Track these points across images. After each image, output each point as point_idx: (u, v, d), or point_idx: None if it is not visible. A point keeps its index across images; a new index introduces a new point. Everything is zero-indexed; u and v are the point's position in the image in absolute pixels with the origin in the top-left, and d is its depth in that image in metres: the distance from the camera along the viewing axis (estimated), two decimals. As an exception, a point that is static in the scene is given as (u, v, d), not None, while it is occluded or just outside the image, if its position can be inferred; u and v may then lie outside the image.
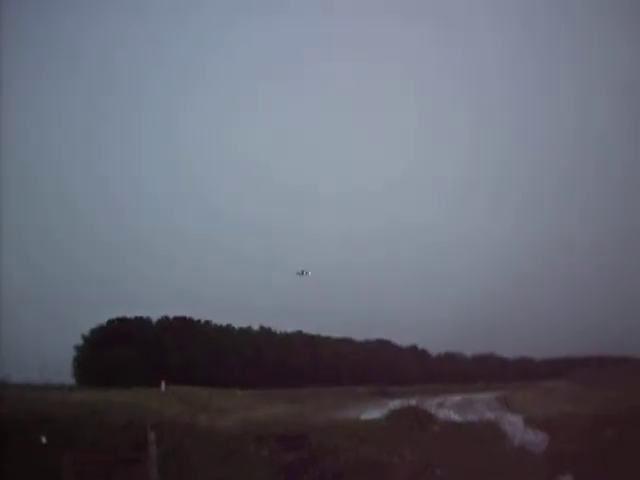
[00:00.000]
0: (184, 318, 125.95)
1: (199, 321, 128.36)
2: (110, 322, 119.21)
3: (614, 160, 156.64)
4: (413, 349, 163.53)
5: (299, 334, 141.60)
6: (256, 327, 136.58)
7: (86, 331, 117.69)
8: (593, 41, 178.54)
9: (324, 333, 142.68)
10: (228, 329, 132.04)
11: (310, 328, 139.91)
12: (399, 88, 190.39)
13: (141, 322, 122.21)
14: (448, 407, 77.06)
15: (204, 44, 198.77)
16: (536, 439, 47.73)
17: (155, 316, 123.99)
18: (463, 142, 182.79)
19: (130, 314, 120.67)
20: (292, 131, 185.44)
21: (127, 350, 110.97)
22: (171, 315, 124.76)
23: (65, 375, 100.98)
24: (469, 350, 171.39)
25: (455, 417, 61.61)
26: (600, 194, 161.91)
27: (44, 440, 38.90)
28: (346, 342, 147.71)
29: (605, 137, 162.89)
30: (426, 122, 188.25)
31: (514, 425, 53.10)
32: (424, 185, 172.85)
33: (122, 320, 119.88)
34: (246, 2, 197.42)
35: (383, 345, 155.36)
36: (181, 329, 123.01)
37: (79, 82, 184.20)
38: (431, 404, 77.04)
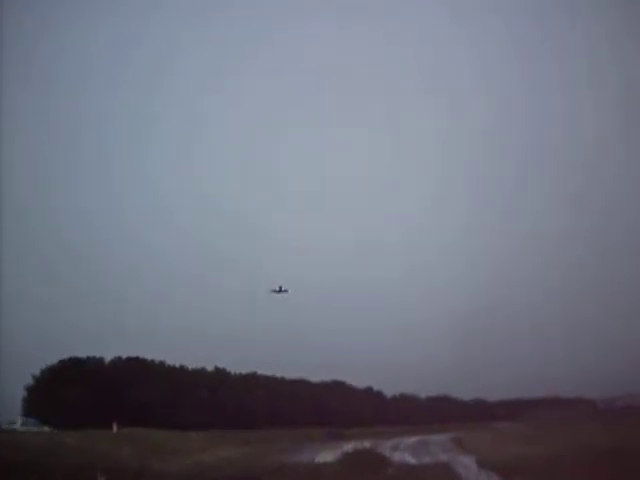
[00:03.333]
0: (137, 358, 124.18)
1: (153, 361, 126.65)
2: (62, 362, 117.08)
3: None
4: (368, 390, 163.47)
5: (254, 375, 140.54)
6: (210, 368, 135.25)
7: (36, 371, 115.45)
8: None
9: (279, 374, 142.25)
10: (182, 370, 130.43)
11: (265, 369, 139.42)
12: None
13: (93, 362, 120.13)
14: (403, 449, 76.96)
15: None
16: (490, 481, 47.74)
17: (108, 356, 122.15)
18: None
19: (82, 354, 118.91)
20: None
21: (79, 391, 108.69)
22: (124, 355, 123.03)
23: (14, 416, 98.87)
24: (424, 392, 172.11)
25: (409, 459, 61.54)
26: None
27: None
28: (301, 383, 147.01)
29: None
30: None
31: (468, 467, 53.06)
32: (382, 241, 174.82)
33: (74, 360, 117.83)
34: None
35: (338, 386, 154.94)
36: (134, 369, 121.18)
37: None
38: (386, 446, 77.03)
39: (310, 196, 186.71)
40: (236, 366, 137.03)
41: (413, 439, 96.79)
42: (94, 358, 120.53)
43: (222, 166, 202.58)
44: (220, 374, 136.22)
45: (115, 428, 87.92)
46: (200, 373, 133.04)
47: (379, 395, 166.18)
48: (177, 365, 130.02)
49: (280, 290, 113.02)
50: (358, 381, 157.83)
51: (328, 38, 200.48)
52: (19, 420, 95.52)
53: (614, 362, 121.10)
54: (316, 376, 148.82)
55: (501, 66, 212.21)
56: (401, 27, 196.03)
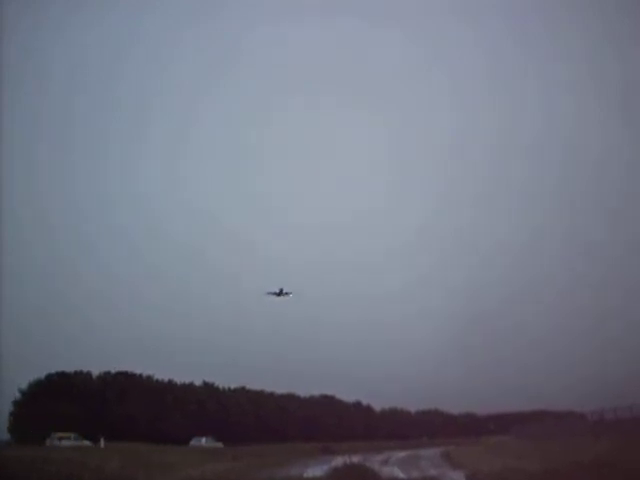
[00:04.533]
0: (126, 373, 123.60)
1: (141, 375, 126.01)
2: (49, 376, 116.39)
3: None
4: (358, 405, 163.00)
5: (242, 390, 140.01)
6: (199, 382, 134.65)
7: (24, 385, 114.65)
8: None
9: (268, 388, 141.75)
10: (171, 384, 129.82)
11: (254, 383, 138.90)
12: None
13: (81, 376, 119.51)
14: (392, 464, 76.46)
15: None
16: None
17: (96, 370, 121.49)
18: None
19: (69, 368, 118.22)
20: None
21: (66, 405, 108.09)
22: (112, 370, 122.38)
23: (1, 431, 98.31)
24: (413, 406, 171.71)
25: (399, 474, 61.01)
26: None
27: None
28: (290, 398, 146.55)
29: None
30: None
31: (458, 482, 52.67)
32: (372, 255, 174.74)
33: (61, 374, 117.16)
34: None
35: (327, 400, 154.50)
36: (122, 384, 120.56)
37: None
38: (375, 461, 76.37)
39: (304, 208, 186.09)
40: (225, 380, 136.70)
41: (403, 453, 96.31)
42: (82, 372, 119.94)
43: (216, 176, 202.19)
44: (209, 389, 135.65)
45: (103, 443, 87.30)
46: (188, 388, 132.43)
47: (368, 409, 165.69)
48: (165, 380, 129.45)
49: (281, 293, 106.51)
50: (347, 395, 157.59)
51: (328, 39, 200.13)
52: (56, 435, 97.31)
53: (604, 375, 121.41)
54: (305, 390, 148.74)
55: (508, 65, 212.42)
56: (406, 27, 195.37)
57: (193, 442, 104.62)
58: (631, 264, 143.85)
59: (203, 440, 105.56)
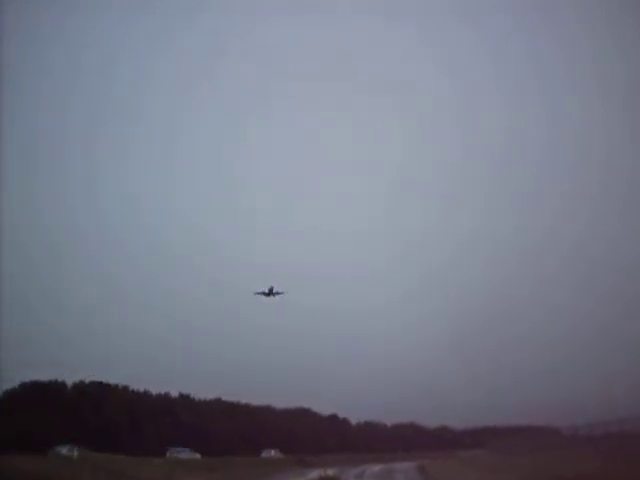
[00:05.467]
0: (100, 383, 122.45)
1: (116, 386, 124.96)
2: (23, 385, 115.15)
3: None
4: (333, 418, 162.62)
5: (218, 401, 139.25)
6: (175, 393, 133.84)
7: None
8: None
9: (243, 400, 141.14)
10: (146, 395, 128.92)
11: (229, 395, 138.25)
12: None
13: (55, 386, 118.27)
14: (367, 477, 76.47)
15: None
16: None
17: (70, 380, 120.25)
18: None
19: (44, 377, 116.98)
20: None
21: (40, 414, 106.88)
22: (87, 379, 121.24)
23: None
24: (389, 419, 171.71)
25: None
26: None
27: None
28: (266, 409, 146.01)
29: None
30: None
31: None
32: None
33: (35, 383, 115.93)
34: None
35: (303, 413, 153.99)
36: (97, 394, 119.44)
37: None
38: (350, 474, 76.39)
39: (296, 220, 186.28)
40: (200, 392, 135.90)
41: (378, 467, 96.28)
42: (56, 382, 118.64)
43: (206, 184, 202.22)
44: (184, 400, 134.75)
45: (76, 453, 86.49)
46: (164, 399, 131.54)
47: (344, 422, 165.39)
48: (141, 390, 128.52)
49: (271, 293, 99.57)
50: (323, 408, 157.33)
51: (329, 40, 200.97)
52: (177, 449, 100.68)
53: (579, 391, 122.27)
54: (281, 403, 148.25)
55: (514, 67, 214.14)
56: (412, 28, 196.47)
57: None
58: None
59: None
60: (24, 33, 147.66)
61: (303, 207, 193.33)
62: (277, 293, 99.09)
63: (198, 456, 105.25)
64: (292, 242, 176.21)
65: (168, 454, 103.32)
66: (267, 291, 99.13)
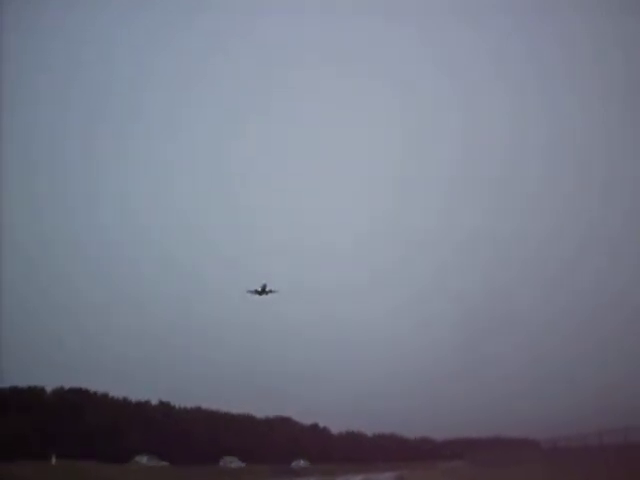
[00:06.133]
0: (80, 389, 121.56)
1: (96, 393, 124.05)
2: (0, 391, 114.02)
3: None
4: (314, 427, 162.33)
5: (198, 409, 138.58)
6: (155, 401, 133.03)
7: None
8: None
9: (224, 408, 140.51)
10: (125, 402, 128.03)
11: (210, 403, 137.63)
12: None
13: (34, 392, 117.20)
14: (348, 487, 76.50)
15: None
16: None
17: (50, 386, 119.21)
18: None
19: (22, 383, 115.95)
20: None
21: (17, 421, 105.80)
22: (66, 386, 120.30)
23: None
24: (370, 429, 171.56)
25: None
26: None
27: None
28: (246, 418, 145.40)
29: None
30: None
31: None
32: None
33: (13, 389, 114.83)
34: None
35: (284, 422, 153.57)
36: (76, 401, 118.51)
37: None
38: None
39: (295, 221, 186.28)
40: (181, 399, 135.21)
41: (358, 477, 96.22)
42: (35, 388, 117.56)
43: (206, 183, 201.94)
44: (164, 407, 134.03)
45: (54, 460, 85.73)
46: (144, 406, 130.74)
47: (325, 432, 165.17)
48: (120, 397, 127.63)
49: (264, 291, 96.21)
50: (304, 417, 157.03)
51: (333, 37, 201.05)
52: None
53: (558, 403, 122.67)
54: (262, 411, 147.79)
55: (514, 67, 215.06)
56: (412, 27, 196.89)
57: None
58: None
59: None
60: (23, 30, 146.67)
61: (302, 208, 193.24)
62: (270, 291, 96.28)
63: (166, 464, 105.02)
64: (289, 244, 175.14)
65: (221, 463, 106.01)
66: (260, 289, 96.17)
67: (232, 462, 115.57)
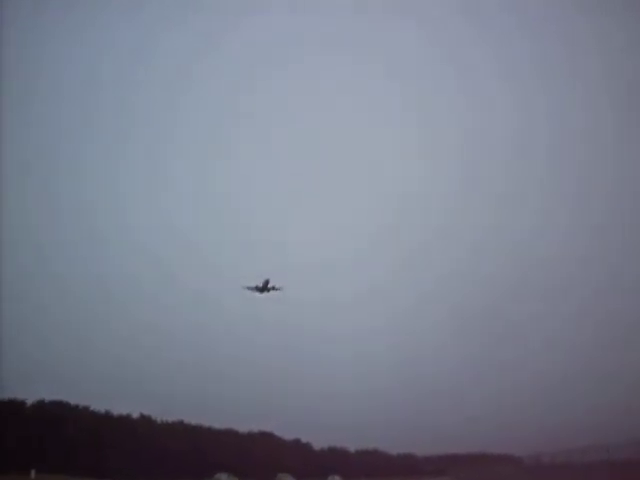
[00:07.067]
0: (61, 402, 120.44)
1: (77, 406, 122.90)
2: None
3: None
4: (296, 442, 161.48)
5: (180, 423, 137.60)
6: (136, 415, 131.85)
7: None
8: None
9: (206, 423, 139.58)
10: (107, 416, 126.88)
11: (192, 417, 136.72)
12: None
13: (14, 405, 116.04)
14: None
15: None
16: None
17: (30, 399, 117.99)
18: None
19: (2, 395, 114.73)
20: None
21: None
22: (47, 399, 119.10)
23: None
24: (352, 445, 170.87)
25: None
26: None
27: None
28: (228, 433, 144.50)
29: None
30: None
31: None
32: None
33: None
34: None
35: (266, 437, 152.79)
36: (57, 414, 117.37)
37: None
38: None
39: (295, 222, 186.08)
40: (162, 413, 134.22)
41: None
42: (15, 400, 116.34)
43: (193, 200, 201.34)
44: (145, 421, 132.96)
45: (33, 475, 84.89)
46: (125, 420, 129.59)
47: (307, 447, 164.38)
48: (102, 411, 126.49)
49: (265, 287, 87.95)
50: (286, 432, 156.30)
51: (334, 37, 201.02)
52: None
53: (540, 420, 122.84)
54: (244, 426, 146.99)
55: (520, 66, 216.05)
56: (417, 26, 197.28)
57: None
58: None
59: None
60: (19, 32, 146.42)
61: (303, 222, 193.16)
62: (273, 288, 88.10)
63: None
64: (286, 256, 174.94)
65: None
66: (261, 285, 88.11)
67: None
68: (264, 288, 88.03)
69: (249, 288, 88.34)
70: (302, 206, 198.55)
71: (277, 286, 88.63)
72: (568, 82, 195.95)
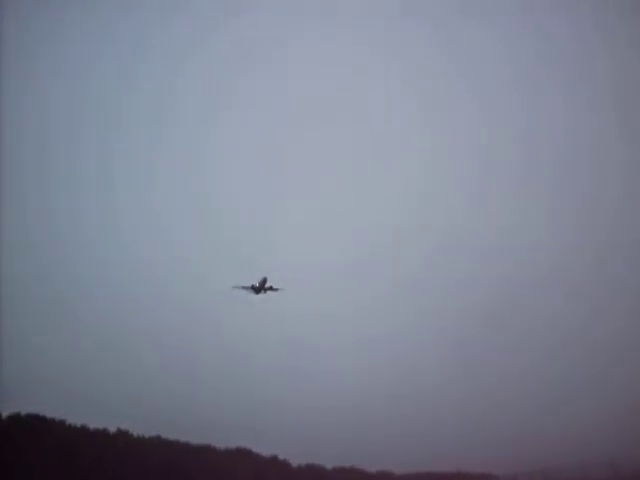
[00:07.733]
0: (37, 415, 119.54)
1: (53, 419, 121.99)
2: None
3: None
4: (274, 459, 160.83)
5: (157, 438, 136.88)
6: (113, 429, 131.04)
7: None
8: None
9: (183, 438, 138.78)
10: (83, 430, 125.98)
11: (169, 432, 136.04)
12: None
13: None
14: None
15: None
16: None
17: (5, 412, 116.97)
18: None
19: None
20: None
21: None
22: (23, 411, 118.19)
23: None
24: (330, 462, 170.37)
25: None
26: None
27: None
28: (206, 449, 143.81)
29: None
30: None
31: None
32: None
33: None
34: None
35: (244, 454, 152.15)
36: (33, 427, 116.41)
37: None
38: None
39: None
40: (140, 428, 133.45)
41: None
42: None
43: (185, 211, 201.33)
44: (122, 436, 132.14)
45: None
46: (101, 434, 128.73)
47: (285, 464, 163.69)
48: (78, 425, 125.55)
49: (262, 288, 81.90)
50: (264, 449, 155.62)
51: (336, 38, 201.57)
52: None
53: (519, 440, 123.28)
54: (221, 442, 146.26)
55: (530, 68, 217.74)
56: (428, 28, 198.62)
57: None
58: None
59: None
60: (16, 33, 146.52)
61: (303, 234, 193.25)
62: (271, 288, 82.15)
63: None
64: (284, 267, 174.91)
65: None
66: (257, 285, 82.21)
67: None
68: (261, 288, 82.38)
69: (244, 288, 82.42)
70: (302, 216, 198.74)
71: (275, 286, 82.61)
72: (578, 82, 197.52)
